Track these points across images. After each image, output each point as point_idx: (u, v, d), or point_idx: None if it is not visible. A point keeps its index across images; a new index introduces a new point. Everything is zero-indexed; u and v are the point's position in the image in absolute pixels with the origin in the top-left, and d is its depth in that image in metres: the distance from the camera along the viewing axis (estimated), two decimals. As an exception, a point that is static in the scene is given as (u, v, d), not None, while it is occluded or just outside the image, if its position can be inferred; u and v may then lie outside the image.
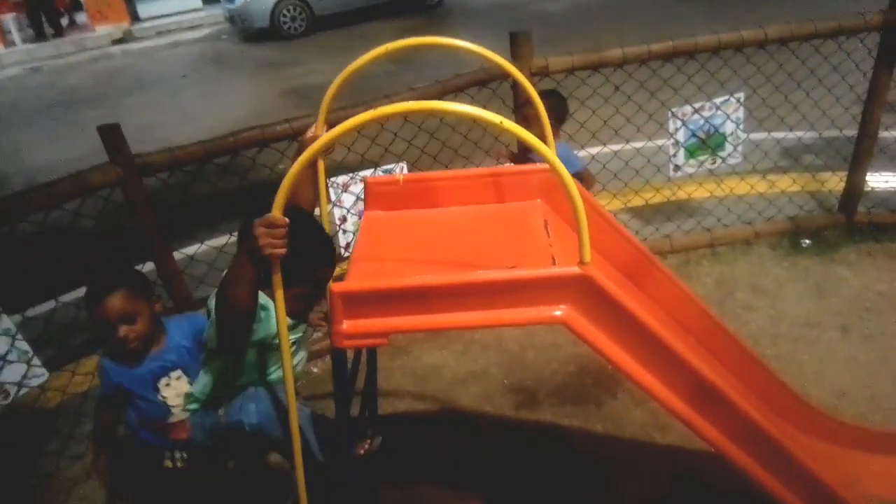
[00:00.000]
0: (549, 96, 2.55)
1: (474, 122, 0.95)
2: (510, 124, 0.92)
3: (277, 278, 1.23)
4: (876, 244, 3.12)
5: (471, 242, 1.37)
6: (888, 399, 2.26)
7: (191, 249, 2.65)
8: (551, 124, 2.50)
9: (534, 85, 2.79)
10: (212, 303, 1.52)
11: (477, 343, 2.80)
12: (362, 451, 2.04)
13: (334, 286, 1.14)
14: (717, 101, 2.96)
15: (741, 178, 3.37)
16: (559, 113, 2.68)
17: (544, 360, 2.66)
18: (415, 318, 1.14)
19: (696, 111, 2.97)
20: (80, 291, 2.37)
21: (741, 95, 2.98)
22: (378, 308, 1.14)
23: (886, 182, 3.37)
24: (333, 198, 2.67)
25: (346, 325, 1.14)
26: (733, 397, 1.21)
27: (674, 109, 2.96)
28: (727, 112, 2.99)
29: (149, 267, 2.46)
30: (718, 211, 3.34)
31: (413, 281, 1.14)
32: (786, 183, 3.53)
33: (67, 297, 2.46)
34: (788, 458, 1.27)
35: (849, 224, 3.23)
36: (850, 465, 1.74)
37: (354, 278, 1.27)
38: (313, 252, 1.50)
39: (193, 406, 1.77)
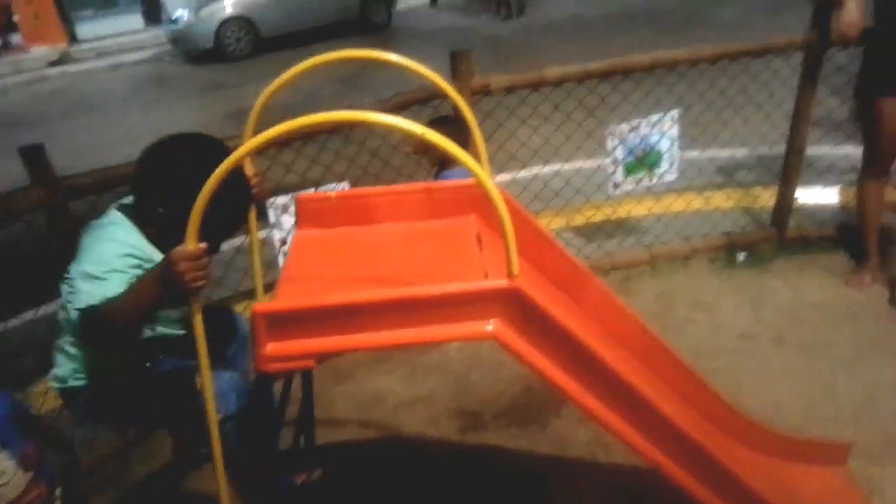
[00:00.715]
0: (446, 123, 2.57)
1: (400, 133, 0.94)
2: (432, 134, 0.90)
3: (197, 305, 1.21)
4: (806, 257, 3.23)
5: (403, 259, 1.35)
6: (822, 409, 2.31)
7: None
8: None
9: (473, 104, 2.82)
10: (72, 312, 1.46)
11: (422, 366, 2.76)
12: (300, 482, 1.98)
13: (256, 307, 1.09)
14: (653, 118, 3.04)
15: (678, 195, 3.45)
16: (460, 138, 2.66)
17: (490, 381, 2.64)
18: (343, 338, 1.10)
19: (632, 129, 3.03)
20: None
21: (675, 113, 3.06)
22: (304, 328, 1.10)
23: (814, 197, 3.50)
24: (273, 220, 2.60)
25: (270, 348, 1.09)
26: (665, 409, 1.21)
27: (611, 127, 3.02)
28: (663, 129, 3.06)
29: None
30: (657, 228, 3.40)
31: (339, 299, 1.10)
32: (720, 199, 3.63)
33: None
34: (724, 471, 1.27)
35: (780, 238, 3.33)
36: (787, 476, 1.76)
37: (282, 298, 1.22)
38: (241, 210, 1.53)
39: (77, 383, 1.73)
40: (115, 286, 1.40)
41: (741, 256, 3.28)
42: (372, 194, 1.50)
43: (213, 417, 1.26)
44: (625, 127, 3.03)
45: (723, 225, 3.42)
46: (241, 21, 11.01)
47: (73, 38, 13.61)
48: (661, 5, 10.52)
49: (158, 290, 1.27)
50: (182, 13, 11.08)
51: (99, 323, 1.36)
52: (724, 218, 3.47)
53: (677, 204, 3.46)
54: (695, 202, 3.49)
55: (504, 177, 3.25)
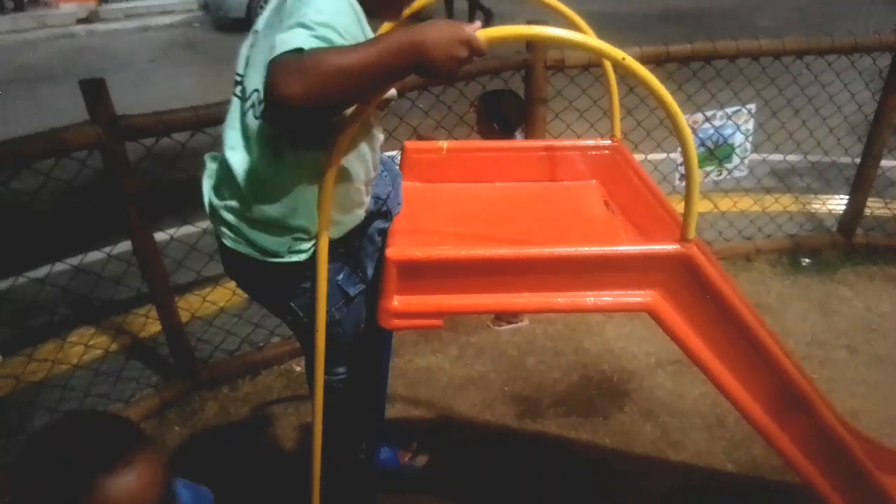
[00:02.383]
0: (508, 97, 2.43)
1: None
2: (632, 62, 0.78)
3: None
4: (874, 267, 3.10)
5: (527, 219, 1.21)
6: (904, 420, 2.19)
7: (171, 231, 2.42)
8: (509, 126, 2.37)
9: (547, 78, 2.68)
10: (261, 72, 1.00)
11: (472, 346, 2.64)
12: (404, 461, 1.84)
13: (390, 252, 0.95)
14: (729, 110, 2.90)
15: (744, 193, 3.31)
16: (519, 113, 2.51)
17: (546, 368, 2.51)
18: (479, 298, 0.97)
19: (707, 119, 2.89)
20: (43, 269, 2.15)
21: (752, 107, 2.92)
22: (435, 283, 0.97)
23: (883, 207, 3.35)
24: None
25: (399, 302, 0.96)
26: (823, 410, 1.08)
27: (685, 116, 2.87)
28: (737, 123, 2.92)
29: (123, 246, 2.25)
30: (720, 224, 3.26)
31: (484, 253, 0.96)
32: (787, 201, 3.48)
33: (29, 274, 2.20)
34: (867, 480, 1.14)
35: (847, 245, 3.20)
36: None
37: (402, 247, 1.07)
38: None
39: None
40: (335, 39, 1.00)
41: (805, 261, 3.14)
42: (485, 148, 1.37)
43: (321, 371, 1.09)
44: (699, 116, 2.89)
45: (787, 227, 3.28)
46: (274, -9, 10.84)
47: (101, -2, 13.45)
48: (698, 8, 10.34)
49: (402, 61, 0.93)
50: (215, -20, 10.93)
51: (299, 73, 0.90)
52: (788, 220, 3.33)
53: (743, 202, 3.32)
54: (761, 201, 3.34)
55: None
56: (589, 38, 0.82)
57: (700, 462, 2.07)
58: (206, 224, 2.42)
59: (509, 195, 1.31)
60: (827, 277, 3.03)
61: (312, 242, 1.13)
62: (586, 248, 0.96)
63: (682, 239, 0.96)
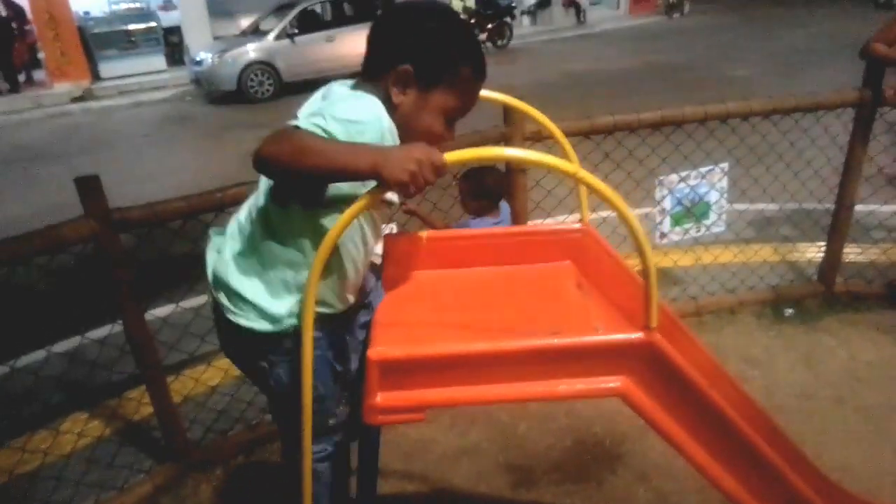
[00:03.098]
0: (489, 172, 2.54)
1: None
2: (585, 175, 0.84)
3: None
4: (856, 314, 3.15)
5: (504, 306, 1.27)
6: (894, 474, 2.20)
7: (163, 311, 2.47)
8: (495, 199, 2.50)
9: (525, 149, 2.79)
10: None
11: (464, 415, 2.65)
12: None
13: (371, 353, 1.01)
14: (703, 170, 3.01)
15: (724, 247, 3.40)
16: (501, 185, 2.63)
17: (538, 434, 2.53)
18: (459, 390, 1.02)
19: (682, 179, 3.00)
20: (38, 355, 2.18)
21: (725, 165, 3.03)
22: (416, 379, 1.02)
23: (861, 254, 3.44)
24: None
25: (381, 398, 1.01)
26: (790, 476, 1.11)
27: (661, 177, 2.98)
28: (712, 181, 3.03)
29: (117, 327, 2.29)
30: (703, 278, 3.33)
31: (461, 348, 1.02)
32: (766, 252, 3.57)
33: (24, 360, 2.23)
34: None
35: (828, 294, 3.26)
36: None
37: (384, 343, 1.13)
38: (459, 43, 1.25)
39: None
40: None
41: (788, 311, 3.19)
42: (463, 237, 1.44)
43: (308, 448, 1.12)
44: (674, 177, 3.00)
45: (768, 278, 3.35)
46: (263, 66, 11.20)
47: (96, 76, 13.84)
48: (673, 62, 10.71)
49: (360, 170, 1.01)
50: (206, 55, 11.29)
51: (280, 139, 1.06)
52: (769, 271, 3.40)
53: (723, 255, 3.40)
54: (740, 254, 3.42)
55: (551, 221, 3.20)
56: (545, 157, 0.89)
57: (696, 525, 2.07)
58: (198, 302, 2.50)
59: (488, 280, 1.38)
60: (810, 327, 3.08)
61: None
62: (556, 340, 1.02)
63: (645, 327, 1.01)
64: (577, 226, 1.46)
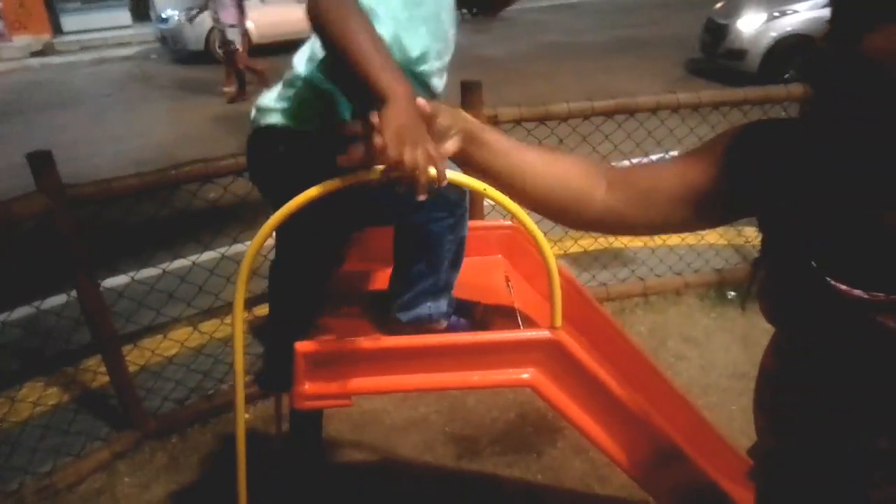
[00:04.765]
0: None
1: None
2: (494, 192, 0.91)
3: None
4: (793, 298, 3.32)
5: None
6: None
7: (118, 281, 2.51)
8: None
9: (482, 132, 2.85)
10: None
11: (417, 388, 2.76)
12: None
13: (297, 345, 1.09)
14: (654, 157, 3.11)
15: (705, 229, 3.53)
16: None
17: (485, 407, 2.65)
18: (380, 380, 1.11)
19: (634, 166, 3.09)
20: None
21: (675, 153, 3.13)
22: (342, 369, 1.10)
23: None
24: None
25: (309, 386, 1.10)
26: (698, 461, 1.23)
27: (613, 164, 3.07)
28: (662, 168, 3.13)
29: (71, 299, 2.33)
30: (651, 261, 3.46)
31: (378, 342, 1.11)
32: (713, 237, 3.71)
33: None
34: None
35: (769, 278, 3.42)
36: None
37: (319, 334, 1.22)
38: None
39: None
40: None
41: (731, 294, 3.35)
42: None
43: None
44: (626, 164, 3.09)
45: (714, 262, 3.50)
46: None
47: (57, 30, 13.39)
48: (645, 36, 10.76)
49: (369, 84, 0.93)
50: (173, 13, 10.99)
51: (332, 8, 1.01)
52: (715, 255, 3.55)
53: (671, 238, 3.53)
54: (688, 238, 3.56)
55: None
56: (457, 175, 0.93)
57: (625, 494, 2.22)
58: (152, 273, 2.54)
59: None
60: (750, 309, 3.24)
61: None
62: (472, 337, 1.11)
63: (551, 326, 1.11)
64: (509, 223, 1.55)
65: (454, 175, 0.91)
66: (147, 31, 12.80)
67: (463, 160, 0.91)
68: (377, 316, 1.38)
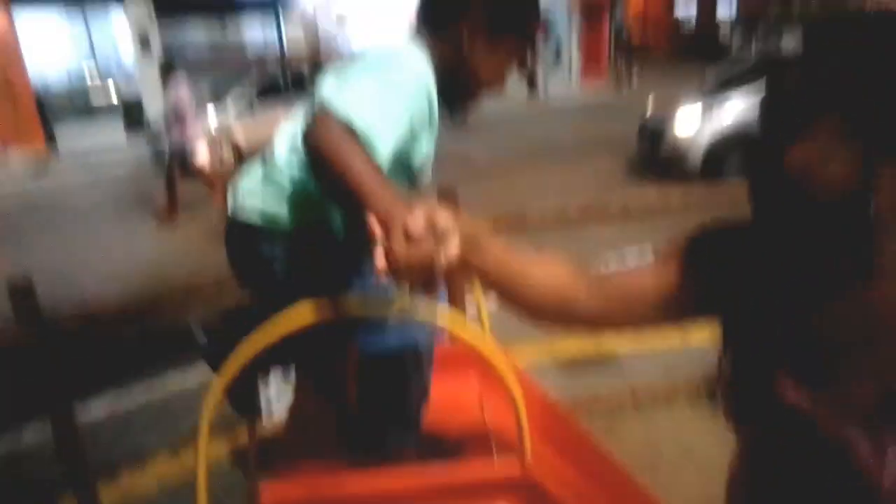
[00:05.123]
0: None
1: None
2: (454, 320, 0.92)
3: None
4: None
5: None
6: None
7: (96, 413, 2.44)
8: None
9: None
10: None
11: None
12: None
13: (264, 486, 1.05)
14: (628, 253, 3.16)
15: (658, 333, 3.52)
16: None
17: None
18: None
19: (608, 264, 3.14)
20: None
21: (649, 248, 3.19)
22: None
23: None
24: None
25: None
26: None
27: (591, 268, 3.12)
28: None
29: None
30: (640, 365, 3.44)
31: (344, 486, 1.07)
32: (698, 338, 3.71)
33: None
34: None
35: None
36: None
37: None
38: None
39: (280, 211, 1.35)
40: (390, 135, 1.11)
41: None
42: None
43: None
44: (603, 268, 3.14)
45: (702, 363, 3.47)
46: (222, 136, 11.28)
47: (52, 146, 13.73)
48: (618, 135, 11.20)
49: (374, 208, 0.96)
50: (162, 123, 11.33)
51: (323, 141, 1.05)
52: (703, 356, 3.52)
53: (657, 342, 3.52)
54: (673, 340, 3.55)
55: (490, 306, 3.30)
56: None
57: None
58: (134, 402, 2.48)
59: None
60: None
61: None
62: (442, 475, 1.08)
63: (522, 465, 1.09)
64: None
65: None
66: (142, 143, 13.09)
67: (461, 263, 0.92)
68: (343, 444, 1.34)
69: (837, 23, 0.75)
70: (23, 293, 2.04)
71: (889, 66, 0.68)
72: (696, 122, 8.22)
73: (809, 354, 0.76)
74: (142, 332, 2.32)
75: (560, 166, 9.58)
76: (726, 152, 8.00)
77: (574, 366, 3.52)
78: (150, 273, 6.25)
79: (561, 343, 3.54)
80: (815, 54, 0.74)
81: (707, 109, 8.26)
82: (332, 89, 1.12)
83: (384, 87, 1.14)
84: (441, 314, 0.95)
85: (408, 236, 0.82)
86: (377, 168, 1.04)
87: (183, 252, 6.94)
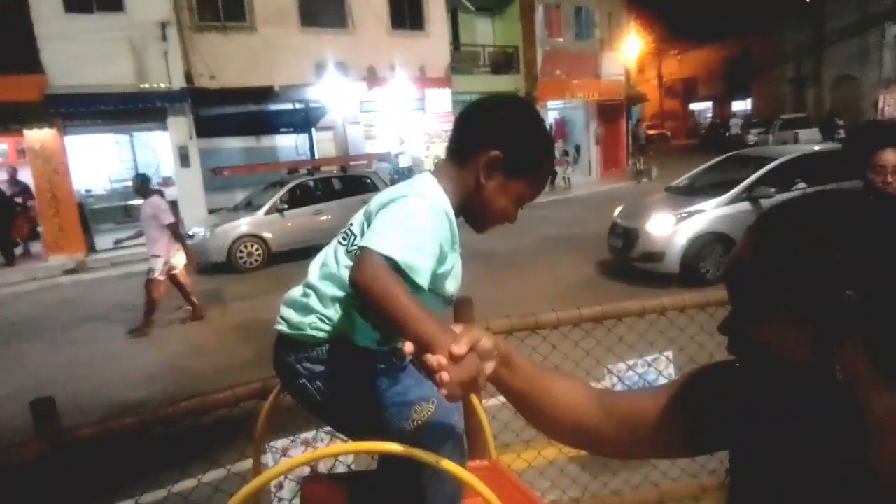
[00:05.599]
0: None
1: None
2: (449, 464, 0.95)
3: None
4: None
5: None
6: None
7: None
8: None
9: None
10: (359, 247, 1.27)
11: None
12: None
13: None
14: (649, 358, 3.14)
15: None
16: None
17: None
18: None
19: (629, 368, 3.12)
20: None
21: (670, 353, 3.17)
22: None
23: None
24: (272, 463, 2.58)
25: None
26: None
27: (609, 366, 3.11)
28: (659, 369, 3.15)
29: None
30: (663, 464, 3.34)
31: None
32: (724, 434, 3.61)
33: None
34: None
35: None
36: None
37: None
38: (544, 143, 1.45)
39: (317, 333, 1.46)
40: (427, 263, 1.25)
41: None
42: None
43: None
44: (622, 366, 3.12)
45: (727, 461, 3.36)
46: (253, 238, 11.72)
47: (91, 248, 14.33)
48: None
49: (415, 340, 1.04)
50: (198, 230, 11.84)
51: (372, 280, 1.16)
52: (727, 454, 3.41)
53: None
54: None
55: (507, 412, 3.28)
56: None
57: None
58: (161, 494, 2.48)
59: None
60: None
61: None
62: None
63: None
64: (486, 462, 1.55)
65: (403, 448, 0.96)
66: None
67: (492, 379, 1.00)
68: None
69: (788, 211, 0.77)
70: (45, 409, 2.12)
71: (837, 253, 0.70)
72: (672, 221, 8.14)
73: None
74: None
75: (579, 260, 9.64)
76: (704, 251, 7.97)
77: (595, 466, 3.44)
78: (172, 364, 6.37)
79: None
80: (765, 249, 0.76)
81: (679, 210, 8.24)
82: (370, 235, 1.27)
83: (413, 223, 1.29)
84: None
85: (454, 359, 0.92)
86: (418, 301, 1.14)
87: (208, 344, 7.06)
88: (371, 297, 1.15)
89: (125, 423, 2.20)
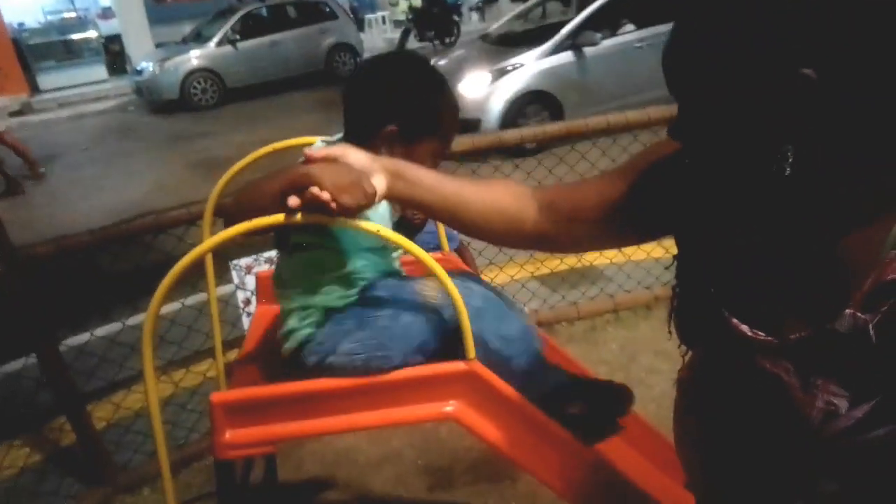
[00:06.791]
0: None
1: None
2: (388, 233, 0.93)
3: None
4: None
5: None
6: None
7: (78, 340, 2.51)
8: None
9: (440, 166, 2.89)
10: None
11: (390, 422, 2.75)
12: None
13: (213, 396, 1.10)
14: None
15: (638, 245, 3.55)
16: None
17: (458, 437, 2.63)
18: (301, 424, 1.11)
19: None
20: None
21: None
22: (262, 415, 1.11)
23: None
24: (237, 280, 2.61)
25: (230, 435, 1.10)
26: (628, 476, 1.23)
27: (540, 185, 3.11)
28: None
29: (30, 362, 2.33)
30: (620, 277, 3.49)
31: (294, 386, 1.11)
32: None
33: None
34: None
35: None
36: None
37: (239, 381, 1.23)
38: (437, 95, 1.31)
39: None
40: None
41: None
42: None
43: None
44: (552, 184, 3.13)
45: (681, 273, 3.52)
46: (206, 72, 11.08)
47: (34, 89, 13.49)
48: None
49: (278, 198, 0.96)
50: (146, 64, 11.13)
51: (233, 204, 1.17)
52: (682, 267, 3.57)
53: (637, 253, 3.56)
54: (654, 251, 3.59)
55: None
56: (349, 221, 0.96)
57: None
58: (112, 329, 2.54)
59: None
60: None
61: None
62: (388, 375, 1.12)
63: (466, 358, 1.12)
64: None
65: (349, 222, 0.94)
66: (124, 83, 12.90)
67: (393, 198, 0.97)
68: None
69: None
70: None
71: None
72: (487, 81, 6.76)
73: (748, 290, 0.73)
74: (114, 259, 2.34)
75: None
76: (523, 108, 6.73)
77: (554, 280, 3.58)
78: (135, 202, 6.27)
79: (539, 261, 3.58)
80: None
81: (494, 65, 6.87)
82: None
83: None
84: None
85: (323, 174, 0.89)
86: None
87: (170, 182, 6.93)
88: (241, 213, 1.10)
89: (81, 239, 2.17)
